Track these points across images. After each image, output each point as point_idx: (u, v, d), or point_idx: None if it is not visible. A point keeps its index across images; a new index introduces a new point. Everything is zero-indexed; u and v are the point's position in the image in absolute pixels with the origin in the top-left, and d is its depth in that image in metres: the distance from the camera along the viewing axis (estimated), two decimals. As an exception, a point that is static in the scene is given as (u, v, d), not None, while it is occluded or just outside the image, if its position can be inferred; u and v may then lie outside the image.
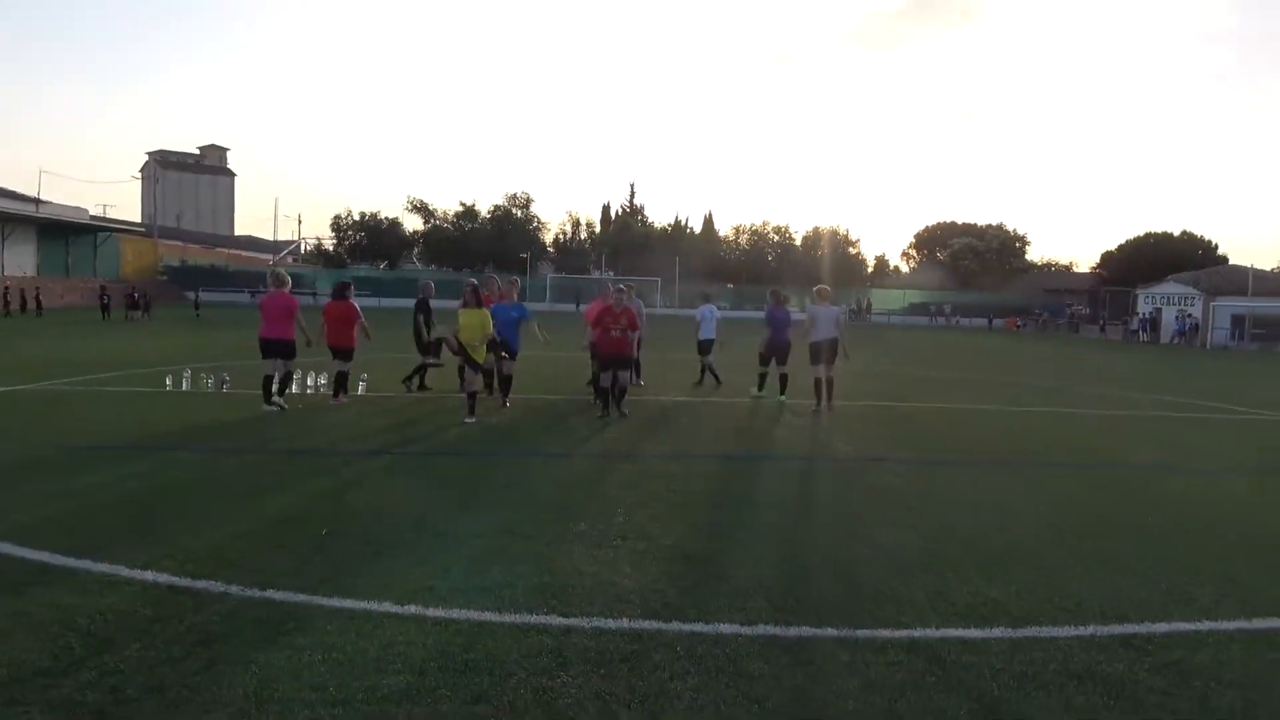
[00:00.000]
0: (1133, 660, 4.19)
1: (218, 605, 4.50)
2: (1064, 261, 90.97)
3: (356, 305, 12.24)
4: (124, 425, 10.14)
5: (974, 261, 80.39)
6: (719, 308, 16.87)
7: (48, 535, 5.58)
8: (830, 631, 4.43)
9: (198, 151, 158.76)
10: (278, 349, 11.35)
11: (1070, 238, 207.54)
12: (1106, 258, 76.95)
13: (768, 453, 10.00)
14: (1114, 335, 55.83)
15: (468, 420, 10.70)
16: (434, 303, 14.18)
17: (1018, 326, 64.87)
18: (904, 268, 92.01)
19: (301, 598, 4.62)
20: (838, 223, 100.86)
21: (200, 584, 4.76)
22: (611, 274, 67.95)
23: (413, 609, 4.50)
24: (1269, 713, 3.76)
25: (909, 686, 3.83)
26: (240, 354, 19.08)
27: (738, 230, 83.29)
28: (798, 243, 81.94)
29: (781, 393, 13.79)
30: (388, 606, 4.52)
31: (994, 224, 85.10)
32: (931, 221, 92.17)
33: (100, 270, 54.83)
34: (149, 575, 4.88)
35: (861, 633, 4.42)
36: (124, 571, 4.93)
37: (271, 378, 11.38)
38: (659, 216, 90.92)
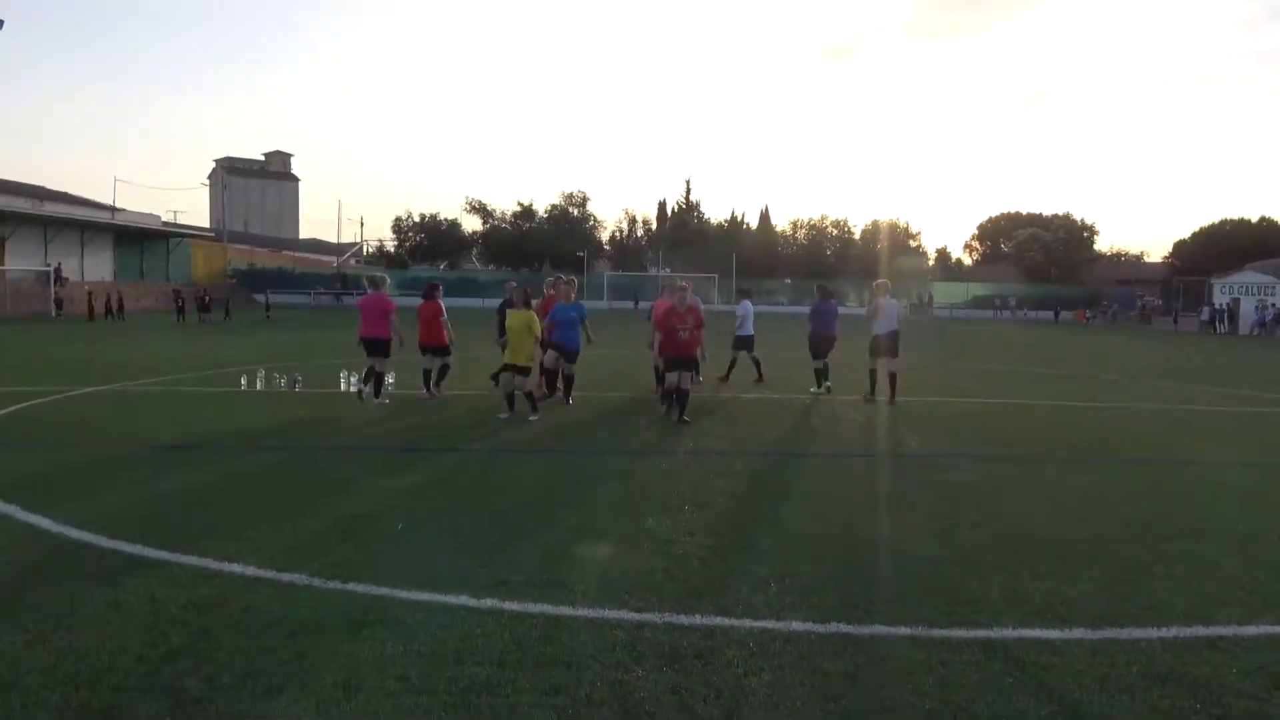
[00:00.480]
0: (1220, 664, 4.07)
1: (303, 597, 4.66)
2: (1134, 251, 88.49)
3: (443, 305, 12.80)
4: (201, 423, 10.52)
5: (1040, 253, 78.29)
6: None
7: (134, 529, 5.81)
8: (904, 630, 4.39)
9: (262, 158, 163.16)
10: (375, 348, 11.98)
11: (1140, 226, 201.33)
12: (1179, 246, 74.48)
13: (832, 449, 9.93)
14: (1188, 327, 53.91)
15: (532, 419, 10.84)
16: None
17: (1086, 319, 62.99)
18: (966, 260, 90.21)
19: (381, 590, 4.75)
20: (897, 216, 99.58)
21: (285, 577, 4.93)
22: (668, 271, 67.94)
23: (489, 602, 4.59)
24: (1369, 719, 3.62)
25: (987, 687, 3.79)
26: (312, 353, 19.62)
27: (795, 225, 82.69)
28: (856, 236, 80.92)
29: (826, 381, 14.07)
30: (464, 600, 4.63)
31: (1060, 214, 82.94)
32: (995, 213, 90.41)
33: (173, 274, 56.82)
34: (235, 568, 5.07)
35: (937, 631, 4.37)
36: (211, 564, 5.12)
37: (382, 375, 12.12)
38: (715, 212, 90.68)
